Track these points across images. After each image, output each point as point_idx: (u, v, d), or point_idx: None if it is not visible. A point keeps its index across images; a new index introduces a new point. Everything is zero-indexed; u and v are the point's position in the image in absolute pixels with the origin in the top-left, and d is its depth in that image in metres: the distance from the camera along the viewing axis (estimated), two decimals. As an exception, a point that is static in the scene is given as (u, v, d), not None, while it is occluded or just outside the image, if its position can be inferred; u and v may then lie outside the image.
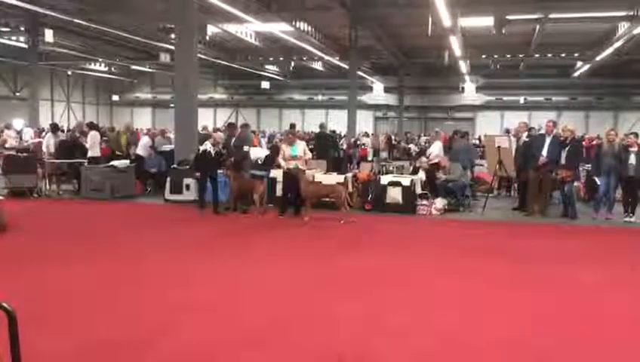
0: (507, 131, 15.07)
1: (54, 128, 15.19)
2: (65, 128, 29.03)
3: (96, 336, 4.59)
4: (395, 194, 11.82)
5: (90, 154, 13.94)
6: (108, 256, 7.59)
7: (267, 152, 13.60)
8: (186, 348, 4.39)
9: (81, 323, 4.94)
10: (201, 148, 11.49)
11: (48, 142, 14.32)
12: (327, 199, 11.23)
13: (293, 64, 36.76)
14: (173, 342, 4.52)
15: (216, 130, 18.00)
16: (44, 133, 20.26)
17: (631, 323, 5.28)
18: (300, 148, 11.24)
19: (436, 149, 15.13)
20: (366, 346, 4.52)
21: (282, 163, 11.13)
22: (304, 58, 33.02)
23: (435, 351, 4.50)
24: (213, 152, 11.36)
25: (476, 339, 4.73)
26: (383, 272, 6.99)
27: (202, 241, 8.84)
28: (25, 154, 13.77)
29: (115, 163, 13.35)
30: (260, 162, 12.78)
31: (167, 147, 14.98)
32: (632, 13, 18.55)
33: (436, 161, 14.41)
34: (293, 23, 21.32)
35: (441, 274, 6.97)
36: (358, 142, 23.49)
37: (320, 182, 11.45)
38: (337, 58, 29.40)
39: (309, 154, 11.93)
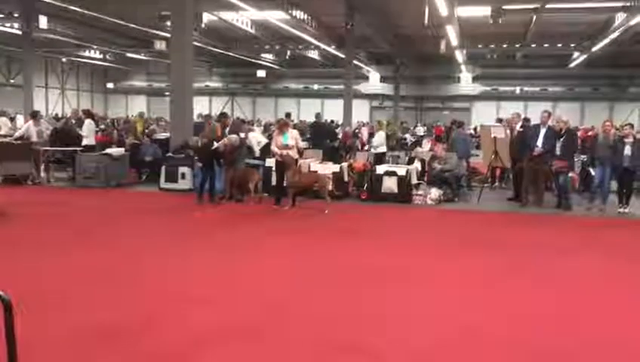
0: (500, 120, 14.98)
1: (34, 115, 14.78)
2: (59, 115, 28.96)
3: (92, 324, 4.58)
4: (390, 184, 11.83)
5: (85, 142, 13.87)
6: (103, 244, 7.58)
7: (266, 140, 13.54)
8: (181, 337, 4.40)
9: (77, 311, 4.94)
10: (216, 144, 11.33)
11: (30, 131, 14.04)
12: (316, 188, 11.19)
13: (289, 53, 36.60)
14: (168, 331, 4.53)
15: (207, 116, 17.86)
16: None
17: (627, 316, 5.32)
18: (291, 136, 11.18)
19: (379, 139, 15.26)
20: (362, 338, 4.53)
21: (276, 150, 11.09)
22: (300, 47, 32.87)
23: (432, 345, 4.52)
24: (221, 150, 11.27)
25: (476, 336, 4.73)
26: (379, 264, 6.96)
27: (197, 231, 8.84)
28: (19, 141, 13.70)
29: (109, 151, 13.30)
30: (259, 147, 12.72)
31: (163, 135, 14.92)
32: (628, 4, 18.52)
33: (380, 150, 14.60)
34: (289, 11, 21.21)
35: (438, 266, 6.98)
36: (357, 132, 23.42)
37: (304, 173, 11.37)
38: (333, 47, 29.29)
39: (302, 143, 11.86)
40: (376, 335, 4.56)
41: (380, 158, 14.76)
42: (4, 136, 16.60)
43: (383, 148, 15.45)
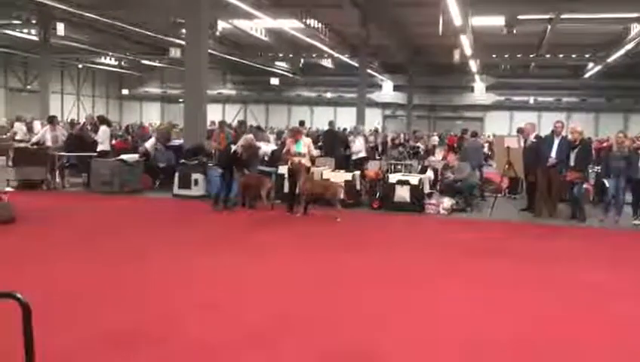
0: (520, 131, 14.59)
1: (51, 121, 14.79)
2: (75, 121, 29.22)
3: (104, 331, 4.61)
4: (403, 193, 11.79)
5: (100, 148, 13.98)
6: (116, 251, 7.60)
7: (274, 147, 13.58)
8: (192, 345, 4.42)
9: (88, 318, 4.97)
10: (233, 147, 11.40)
11: (45, 136, 14.11)
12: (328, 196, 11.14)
13: (302, 61, 36.76)
14: (180, 339, 4.55)
15: (221, 123, 17.94)
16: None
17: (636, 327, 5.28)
18: (305, 144, 11.21)
19: (359, 145, 15.22)
20: (370, 346, 4.52)
21: (287, 158, 11.14)
22: (314, 55, 33.01)
23: (438, 352, 4.51)
24: (240, 153, 11.31)
25: (481, 341, 4.73)
26: (387, 271, 6.98)
27: (209, 238, 8.85)
28: (35, 146, 13.83)
29: (123, 157, 13.38)
30: (266, 158, 12.76)
31: (177, 142, 15.00)
32: (644, 15, 18.47)
33: (360, 156, 14.54)
34: (304, 20, 21.33)
35: (446, 274, 6.95)
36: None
37: (315, 180, 11.34)
38: (347, 56, 29.38)
39: (315, 151, 11.84)
40: (381, 343, 4.56)
41: (360, 164, 14.75)
42: (20, 141, 16.80)
43: (363, 154, 15.44)
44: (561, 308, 5.72)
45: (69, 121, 30.12)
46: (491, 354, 4.47)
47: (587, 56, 29.72)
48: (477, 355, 4.44)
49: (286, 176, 11.55)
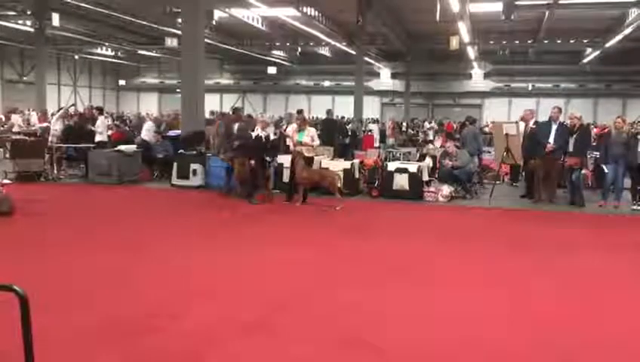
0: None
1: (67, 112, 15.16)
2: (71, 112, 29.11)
3: (102, 320, 4.61)
4: (401, 181, 11.79)
5: (98, 138, 13.96)
6: (114, 241, 7.60)
7: (273, 137, 13.50)
8: (189, 333, 4.42)
9: (86, 307, 4.97)
10: (254, 133, 11.35)
11: (55, 125, 14.30)
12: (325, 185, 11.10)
13: (299, 50, 36.61)
14: (178, 328, 4.55)
15: (222, 114, 17.94)
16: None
17: (632, 314, 5.28)
18: (307, 134, 11.12)
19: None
20: (369, 334, 4.52)
21: (291, 146, 11.12)
22: (311, 43, 32.87)
23: (434, 343, 4.52)
24: (263, 137, 11.26)
25: (479, 333, 4.73)
26: (385, 260, 6.96)
27: (207, 227, 8.84)
28: (32, 138, 13.80)
29: (122, 147, 13.35)
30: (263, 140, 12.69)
31: (174, 132, 14.96)
32: (642, -1, 18.39)
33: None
34: (300, 8, 21.19)
35: (444, 260, 6.96)
36: (366, 129, 23.41)
37: (312, 169, 11.29)
38: (344, 43, 29.24)
39: (317, 141, 11.78)
40: (378, 332, 4.56)
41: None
42: (17, 133, 16.75)
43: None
44: (557, 294, 5.72)
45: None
46: (493, 350, 4.47)
47: (585, 41, 29.62)
48: (474, 348, 4.45)
49: (286, 165, 11.50)
